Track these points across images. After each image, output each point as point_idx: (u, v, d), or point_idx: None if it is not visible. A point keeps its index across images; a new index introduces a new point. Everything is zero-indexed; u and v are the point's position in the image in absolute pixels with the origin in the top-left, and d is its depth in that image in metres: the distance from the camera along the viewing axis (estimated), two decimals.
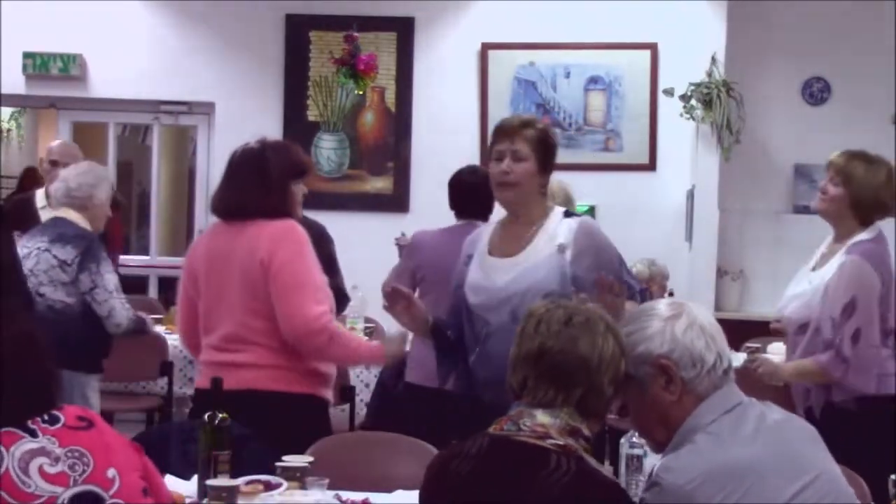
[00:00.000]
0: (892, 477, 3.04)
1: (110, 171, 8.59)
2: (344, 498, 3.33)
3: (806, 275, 4.45)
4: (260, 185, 3.99)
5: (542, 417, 2.45)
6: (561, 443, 2.41)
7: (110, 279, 5.26)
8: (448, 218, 5.45)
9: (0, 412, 2.42)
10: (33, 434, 2.42)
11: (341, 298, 5.85)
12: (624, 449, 3.32)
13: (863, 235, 4.33)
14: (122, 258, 8.58)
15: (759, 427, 2.42)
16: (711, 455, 2.35)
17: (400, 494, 3.43)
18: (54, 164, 6.23)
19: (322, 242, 5.54)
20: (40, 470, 2.37)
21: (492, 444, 2.47)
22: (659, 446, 2.51)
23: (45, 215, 6.06)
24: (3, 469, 2.34)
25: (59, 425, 2.46)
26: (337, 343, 3.97)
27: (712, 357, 2.47)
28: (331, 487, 3.32)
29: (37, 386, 2.49)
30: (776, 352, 6.17)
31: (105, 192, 5.51)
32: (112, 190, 7.70)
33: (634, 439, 3.31)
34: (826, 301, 4.23)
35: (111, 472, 2.44)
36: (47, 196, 6.15)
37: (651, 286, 6.98)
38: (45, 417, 2.46)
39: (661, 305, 2.55)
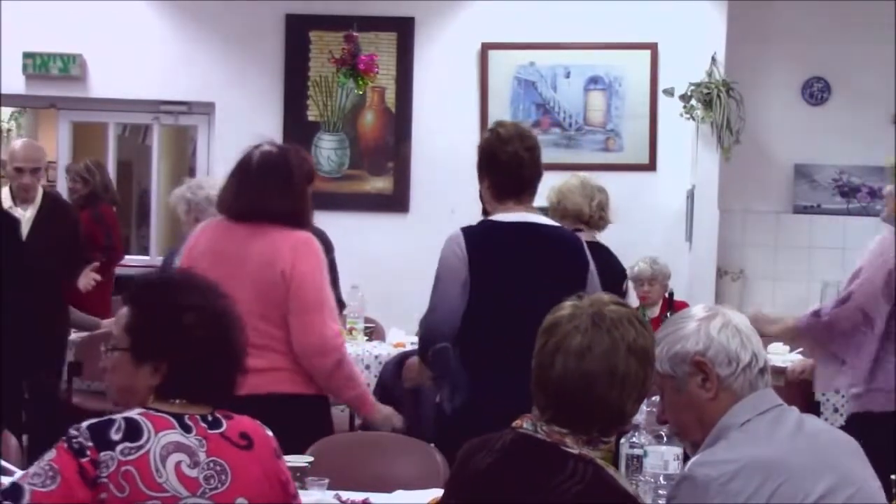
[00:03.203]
0: (893, 477, 3.04)
1: (110, 172, 8.65)
2: (344, 498, 3.33)
3: None
4: (286, 190, 3.99)
5: (559, 428, 2.46)
6: (575, 452, 2.41)
7: None
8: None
9: (183, 386, 2.42)
10: (187, 429, 2.39)
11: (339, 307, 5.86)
12: (624, 449, 3.32)
13: None
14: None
15: (796, 432, 2.45)
16: (745, 450, 2.38)
17: (400, 494, 3.43)
18: (19, 171, 6.15)
19: (328, 251, 5.55)
20: (177, 467, 2.34)
21: (514, 440, 2.47)
22: (695, 446, 2.52)
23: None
24: (144, 450, 2.32)
25: (216, 431, 2.43)
26: (342, 370, 4.00)
27: (747, 356, 2.49)
28: (331, 487, 3.32)
29: (218, 367, 2.48)
30: (776, 352, 6.19)
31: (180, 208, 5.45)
32: (111, 191, 7.83)
33: (634, 439, 3.31)
34: None
35: (240, 501, 2.40)
36: (13, 196, 6.15)
37: (653, 284, 6.98)
38: (209, 418, 2.44)
39: (697, 309, 2.59)
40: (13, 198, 6.16)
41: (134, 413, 2.38)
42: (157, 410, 2.40)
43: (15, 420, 5.59)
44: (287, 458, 3.34)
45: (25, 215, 6.11)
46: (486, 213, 4.24)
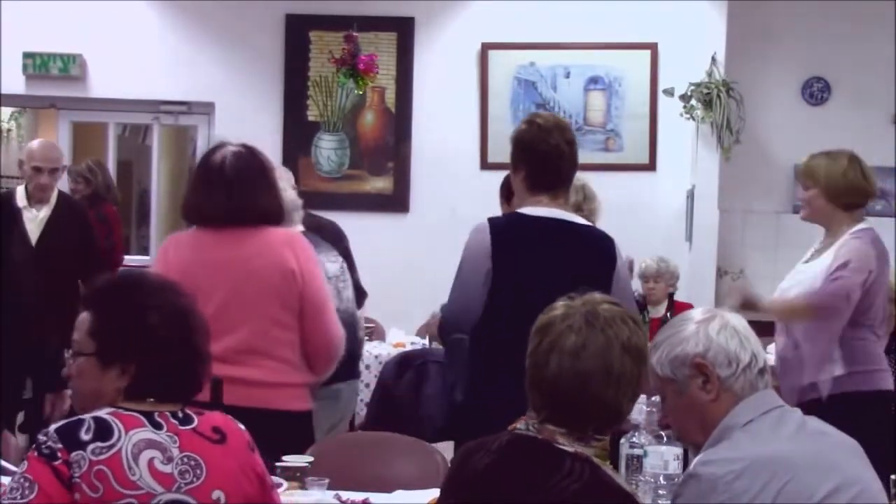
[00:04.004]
0: (893, 477, 3.05)
1: (111, 172, 8.65)
2: (344, 498, 3.33)
3: (799, 268, 4.52)
4: (268, 190, 3.92)
5: (553, 426, 2.45)
6: (570, 450, 2.41)
7: None
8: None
9: (149, 384, 2.42)
10: (157, 426, 2.39)
11: (360, 294, 5.85)
12: (624, 449, 3.32)
13: (861, 225, 4.39)
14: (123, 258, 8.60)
15: (799, 432, 2.45)
16: (751, 449, 2.38)
17: (400, 494, 3.43)
18: (38, 170, 6.14)
19: (342, 240, 5.54)
20: (150, 463, 2.34)
21: (511, 441, 2.47)
22: (698, 448, 2.52)
23: (26, 214, 6.09)
24: (116, 448, 2.32)
25: (188, 426, 2.43)
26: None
27: (747, 356, 2.49)
28: (331, 487, 3.32)
29: (185, 365, 2.47)
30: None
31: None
32: (113, 191, 7.84)
33: (634, 439, 3.31)
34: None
35: (216, 494, 2.39)
36: (28, 197, 6.15)
37: (658, 282, 6.98)
38: (180, 415, 2.44)
39: (695, 312, 2.59)
40: (28, 198, 6.15)
41: (103, 413, 2.38)
42: (127, 409, 2.40)
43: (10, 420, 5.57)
44: (287, 458, 3.36)
45: (39, 215, 6.12)
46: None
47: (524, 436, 2.46)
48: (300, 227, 4.71)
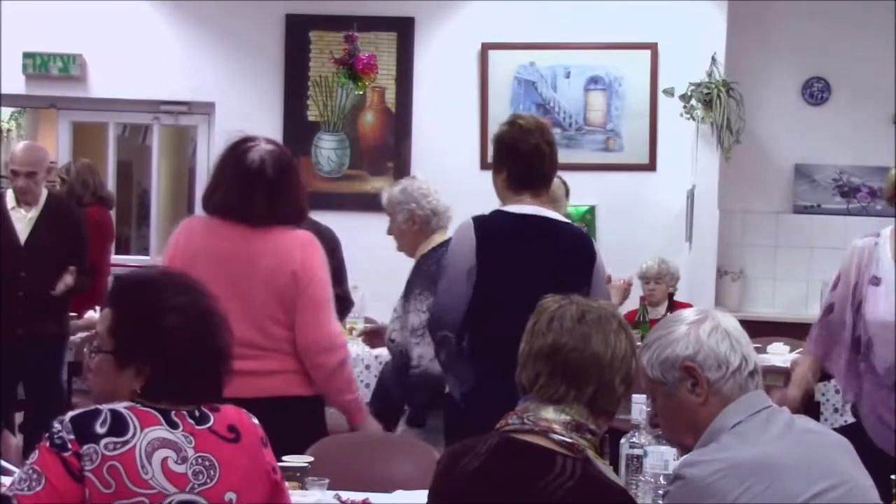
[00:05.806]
0: (893, 477, 3.04)
1: (110, 172, 8.66)
2: (344, 498, 3.33)
3: None
4: (298, 192, 3.95)
5: (546, 413, 2.47)
6: (567, 440, 2.42)
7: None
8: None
9: (168, 388, 2.40)
10: (173, 425, 2.38)
11: (346, 304, 5.86)
12: (624, 449, 3.32)
13: None
14: (123, 258, 8.62)
15: (787, 431, 2.44)
16: (736, 451, 2.38)
17: (400, 494, 3.43)
18: (15, 174, 6.15)
19: (336, 249, 5.56)
20: (163, 462, 2.33)
21: (499, 443, 2.48)
22: (687, 450, 2.52)
23: (14, 215, 6.09)
24: (130, 444, 2.31)
25: (204, 426, 2.42)
26: (345, 370, 3.97)
27: (737, 359, 2.48)
28: (331, 487, 3.32)
29: (202, 368, 2.46)
30: (775, 352, 6.20)
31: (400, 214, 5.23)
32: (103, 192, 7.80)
33: (634, 439, 3.31)
34: None
35: (229, 496, 2.39)
36: (17, 199, 6.15)
37: (658, 283, 6.97)
38: (196, 413, 2.43)
39: (687, 313, 2.59)
40: (17, 199, 6.17)
41: (120, 406, 2.37)
42: (144, 405, 2.39)
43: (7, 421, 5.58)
44: (287, 458, 3.36)
45: (28, 216, 6.14)
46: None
47: (513, 438, 2.47)
48: (447, 234, 4.76)
